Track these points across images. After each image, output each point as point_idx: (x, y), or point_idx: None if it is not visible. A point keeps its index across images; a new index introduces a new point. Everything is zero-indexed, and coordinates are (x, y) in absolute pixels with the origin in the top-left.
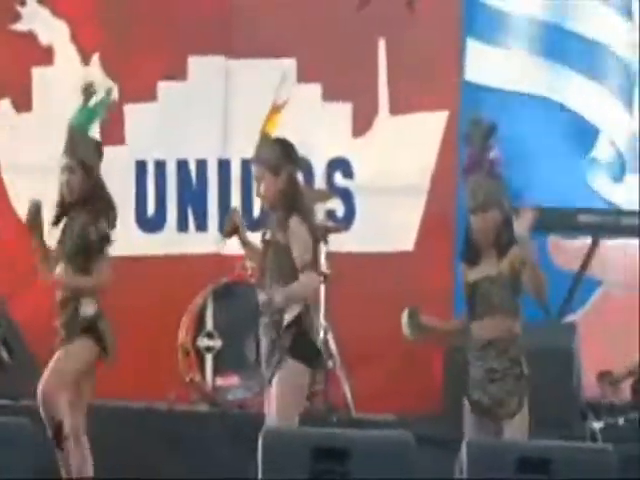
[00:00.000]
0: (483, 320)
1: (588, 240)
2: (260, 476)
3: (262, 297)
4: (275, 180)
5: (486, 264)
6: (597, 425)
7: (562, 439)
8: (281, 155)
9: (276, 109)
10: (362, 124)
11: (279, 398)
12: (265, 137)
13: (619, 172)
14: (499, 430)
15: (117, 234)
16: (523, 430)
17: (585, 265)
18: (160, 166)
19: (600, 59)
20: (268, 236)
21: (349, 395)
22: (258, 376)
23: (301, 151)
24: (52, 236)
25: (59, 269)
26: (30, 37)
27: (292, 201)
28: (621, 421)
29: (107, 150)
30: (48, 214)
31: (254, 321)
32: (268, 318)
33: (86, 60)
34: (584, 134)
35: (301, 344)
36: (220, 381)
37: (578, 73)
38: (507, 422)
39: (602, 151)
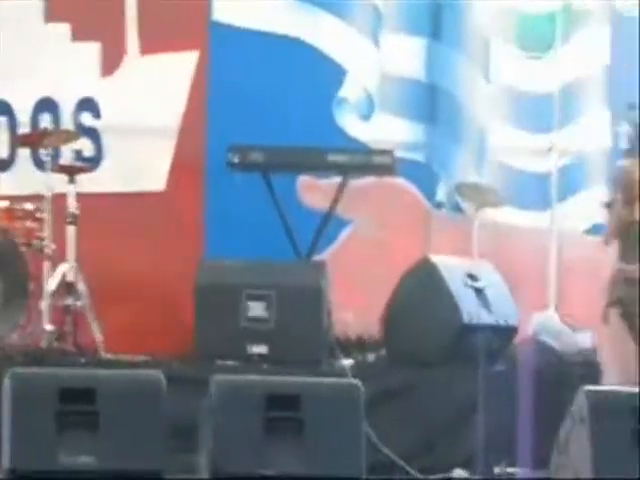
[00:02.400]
0: None
1: (337, 179)
2: (6, 417)
3: None
4: None
5: None
6: (346, 362)
7: (312, 376)
8: None
9: None
10: (111, 64)
11: None
12: None
13: (367, 111)
14: None
15: None
16: None
17: (334, 204)
18: None
19: None
20: None
21: (98, 336)
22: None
23: (50, 91)
24: None
25: None
26: None
27: None
28: (371, 358)
29: None
30: None
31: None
32: None
33: None
34: (332, 73)
35: None
36: None
37: (326, 12)
38: None
39: (350, 91)
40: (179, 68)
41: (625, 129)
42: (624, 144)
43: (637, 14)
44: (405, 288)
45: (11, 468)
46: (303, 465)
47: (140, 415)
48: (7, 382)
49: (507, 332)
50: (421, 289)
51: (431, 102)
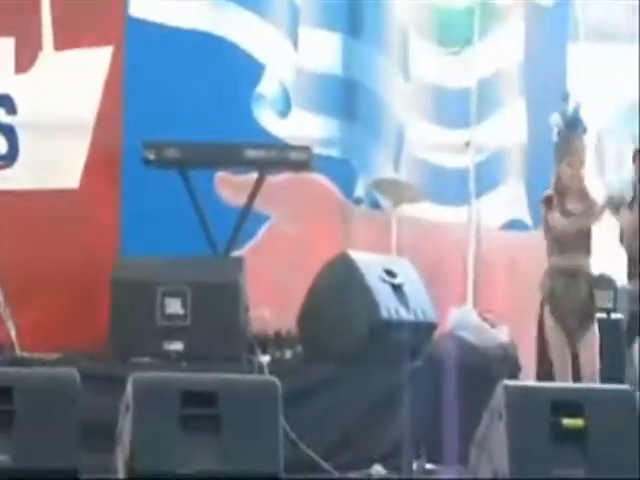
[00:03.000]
0: None
1: (255, 175)
2: None
3: None
4: None
5: None
6: (264, 359)
7: (230, 373)
8: None
9: None
10: (25, 60)
11: None
12: None
13: (285, 107)
14: None
15: None
16: None
17: (251, 200)
18: None
19: None
20: None
21: (13, 334)
22: None
23: None
24: None
25: None
26: None
27: None
28: (288, 354)
29: None
30: None
31: None
32: None
33: None
34: (249, 69)
35: None
36: None
37: (243, 8)
38: None
39: (267, 86)
40: (94, 64)
41: (556, 121)
42: (555, 137)
43: (551, 3)
44: (323, 283)
45: None
46: (220, 463)
47: (55, 413)
48: None
49: (425, 328)
50: (339, 284)
51: (349, 98)
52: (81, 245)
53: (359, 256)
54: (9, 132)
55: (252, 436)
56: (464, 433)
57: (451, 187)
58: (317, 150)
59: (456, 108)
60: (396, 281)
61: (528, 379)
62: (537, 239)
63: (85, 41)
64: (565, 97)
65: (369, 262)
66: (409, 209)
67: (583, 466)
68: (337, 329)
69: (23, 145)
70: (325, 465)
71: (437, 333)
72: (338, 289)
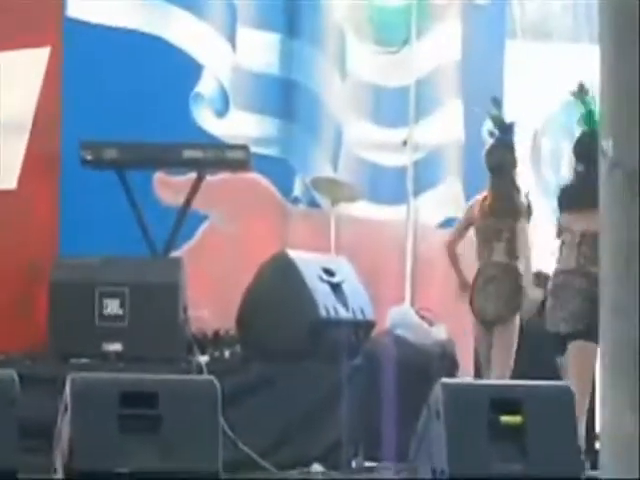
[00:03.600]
0: None
1: (193, 175)
2: None
3: None
4: None
5: None
6: (203, 359)
7: (169, 373)
8: None
9: None
10: None
11: None
12: None
13: (223, 107)
14: None
15: None
16: None
17: (189, 200)
18: None
19: None
20: None
21: None
22: None
23: None
24: None
25: None
26: None
27: None
28: (227, 353)
29: None
30: None
31: None
32: None
33: None
34: (187, 70)
35: None
36: None
37: (180, 8)
38: None
39: (206, 86)
40: (32, 64)
41: (489, 126)
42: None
43: (488, 2)
44: (261, 282)
45: None
46: (160, 461)
47: None
48: None
49: (364, 326)
50: (277, 283)
51: (287, 97)
52: (19, 246)
53: (297, 255)
54: None
55: (192, 435)
56: (403, 431)
57: (389, 186)
58: (255, 149)
59: (394, 107)
60: (335, 280)
61: (466, 377)
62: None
63: (22, 42)
64: (496, 102)
65: (307, 261)
66: (347, 208)
67: (522, 462)
68: (276, 328)
69: None
70: (264, 464)
71: (376, 331)
72: (277, 288)
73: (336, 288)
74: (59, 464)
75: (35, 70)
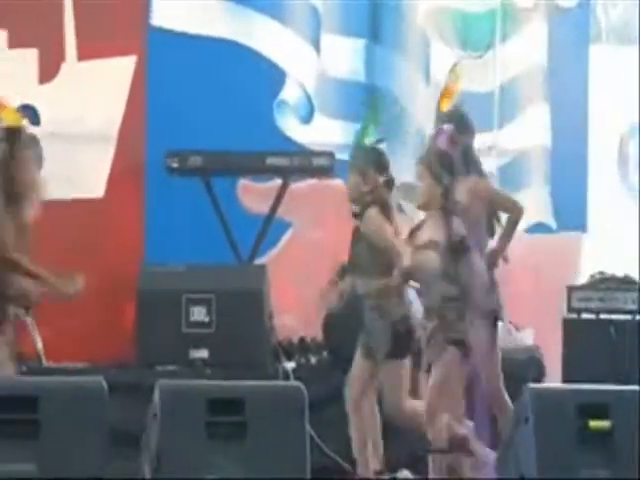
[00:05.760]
0: None
1: (277, 182)
2: None
3: None
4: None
5: None
6: (289, 365)
7: (254, 380)
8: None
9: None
10: (49, 70)
11: None
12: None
13: (307, 113)
14: None
15: None
16: None
17: (275, 207)
18: None
19: (286, 1)
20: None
21: (39, 344)
22: None
23: None
24: None
25: None
26: None
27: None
28: (313, 360)
29: None
30: None
31: None
32: None
33: None
34: (271, 76)
35: None
36: None
37: (264, 15)
38: None
39: (290, 93)
40: (117, 73)
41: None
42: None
43: (574, 4)
44: None
45: None
46: (247, 469)
47: (82, 422)
48: None
49: None
50: None
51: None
52: (106, 254)
53: None
54: None
55: (278, 442)
56: (490, 436)
57: None
58: (339, 156)
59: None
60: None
61: (553, 382)
62: (561, 242)
63: (108, 51)
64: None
65: None
66: None
67: (610, 468)
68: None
69: (47, 155)
70: (352, 470)
71: None
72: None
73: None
74: (147, 472)
75: (121, 79)
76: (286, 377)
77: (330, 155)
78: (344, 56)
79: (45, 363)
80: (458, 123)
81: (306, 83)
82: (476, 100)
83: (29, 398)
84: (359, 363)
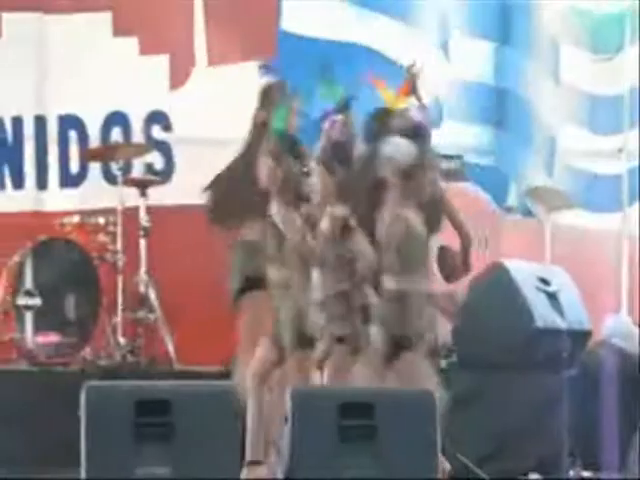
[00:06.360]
0: None
1: None
2: (83, 430)
3: None
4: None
5: None
6: None
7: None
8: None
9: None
10: (179, 76)
11: None
12: None
13: (437, 116)
14: None
15: None
16: None
17: None
18: None
19: (415, 5)
20: None
21: (171, 348)
22: (77, 333)
23: (119, 105)
24: None
25: None
26: None
27: None
28: (443, 364)
29: None
30: None
31: (73, 278)
32: None
33: None
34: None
35: None
36: (40, 339)
37: (393, 19)
38: None
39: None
40: (248, 78)
41: None
42: None
43: None
44: (476, 293)
45: None
46: (378, 472)
47: (215, 426)
48: (83, 396)
49: (580, 336)
50: (493, 294)
51: (500, 106)
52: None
53: (513, 264)
54: (164, 148)
55: (408, 445)
56: (620, 441)
57: (604, 194)
58: (468, 158)
59: (608, 114)
60: (551, 289)
61: None
62: None
63: (238, 56)
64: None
65: (523, 270)
66: (562, 217)
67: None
68: (492, 338)
69: (178, 161)
70: (481, 473)
71: (591, 341)
72: (492, 298)
73: (552, 297)
74: (280, 474)
75: (251, 84)
76: None
77: (459, 158)
78: (473, 59)
79: (177, 366)
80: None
81: (435, 87)
82: (605, 103)
83: (163, 402)
84: None
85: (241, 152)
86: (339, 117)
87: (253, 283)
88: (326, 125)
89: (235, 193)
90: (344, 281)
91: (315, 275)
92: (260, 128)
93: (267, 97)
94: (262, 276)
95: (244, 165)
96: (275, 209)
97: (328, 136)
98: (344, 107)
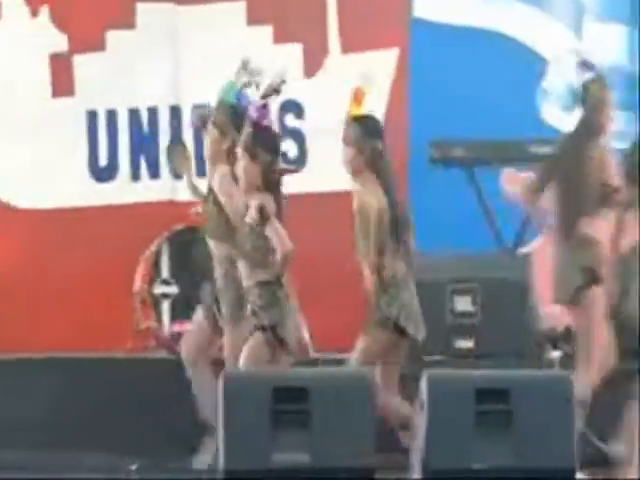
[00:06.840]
0: None
1: None
2: (221, 417)
3: None
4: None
5: None
6: (554, 354)
7: (520, 369)
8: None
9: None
10: (313, 65)
11: None
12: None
13: (570, 102)
14: None
15: (70, 185)
16: None
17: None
18: (111, 115)
19: None
20: None
21: (306, 335)
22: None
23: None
24: None
25: None
26: None
27: None
28: None
29: (58, 102)
30: None
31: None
32: None
33: (34, 12)
34: (534, 65)
35: None
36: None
37: (524, 4)
38: None
39: (552, 81)
40: (381, 66)
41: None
42: None
43: None
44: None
45: (226, 468)
46: (514, 458)
47: (351, 413)
48: (220, 383)
49: None
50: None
51: (634, 89)
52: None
53: None
54: (298, 136)
55: (545, 431)
56: None
57: None
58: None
59: None
60: None
61: None
62: None
63: (371, 44)
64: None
65: None
66: None
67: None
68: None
69: (311, 149)
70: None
71: None
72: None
73: None
74: (416, 462)
75: (384, 71)
76: (550, 366)
77: None
78: (607, 43)
79: (313, 354)
80: (369, 126)
81: (568, 71)
82: None
83: (301, 389)
84: None
85: None
86: (263, 102)
87: None
88: (251, 110)
89: None
90: (263, 271)
91: (240, 265)
92: None
93: None
94: None
95: None
96: None
97: (253, 122)
98: (272, 92)
